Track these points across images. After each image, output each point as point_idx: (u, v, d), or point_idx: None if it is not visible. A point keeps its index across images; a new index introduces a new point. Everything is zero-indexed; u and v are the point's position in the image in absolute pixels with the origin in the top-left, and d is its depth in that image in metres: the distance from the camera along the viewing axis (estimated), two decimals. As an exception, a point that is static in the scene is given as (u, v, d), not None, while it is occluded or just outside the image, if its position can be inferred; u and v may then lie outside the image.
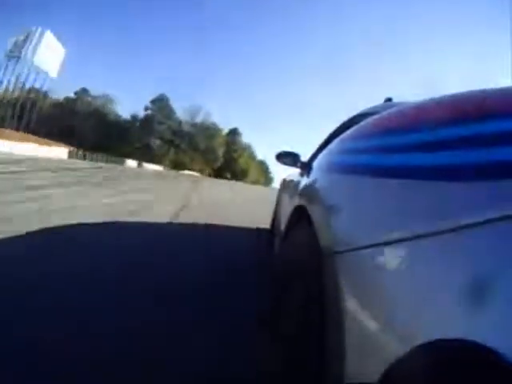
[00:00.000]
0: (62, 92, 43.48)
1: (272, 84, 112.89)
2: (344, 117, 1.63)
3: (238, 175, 54.86)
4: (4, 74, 28.75)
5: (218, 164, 54.48)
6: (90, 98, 46.77)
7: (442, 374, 0.29)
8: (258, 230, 3.74)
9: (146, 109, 50.89)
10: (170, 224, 3.51)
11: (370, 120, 0.71)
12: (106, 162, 27.10)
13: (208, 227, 3.71)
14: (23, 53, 28.41)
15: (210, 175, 49.55)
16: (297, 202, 1.00)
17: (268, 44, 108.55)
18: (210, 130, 53.52)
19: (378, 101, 1.64)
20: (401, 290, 0.35)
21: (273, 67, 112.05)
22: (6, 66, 28.73)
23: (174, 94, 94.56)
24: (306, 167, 1.36)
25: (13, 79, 29.12)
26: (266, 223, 3.49)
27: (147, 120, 48.72)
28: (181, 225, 3.59)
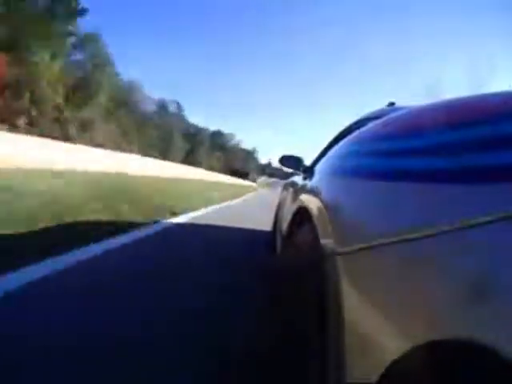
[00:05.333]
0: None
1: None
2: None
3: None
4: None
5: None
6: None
7: (442, 373, 0.30)
8: None
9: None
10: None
11: (372, 124, 0.72)
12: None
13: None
14: None
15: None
16: (299, 203, 1.01)
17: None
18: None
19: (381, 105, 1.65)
20: (401, 291, 0.35)
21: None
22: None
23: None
24: (309, 171, 1.37)
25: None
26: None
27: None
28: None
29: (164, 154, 36.29)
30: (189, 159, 44.89)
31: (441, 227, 0.34)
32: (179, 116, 49.21)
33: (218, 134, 63.93)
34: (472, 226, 0.31)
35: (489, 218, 0.30)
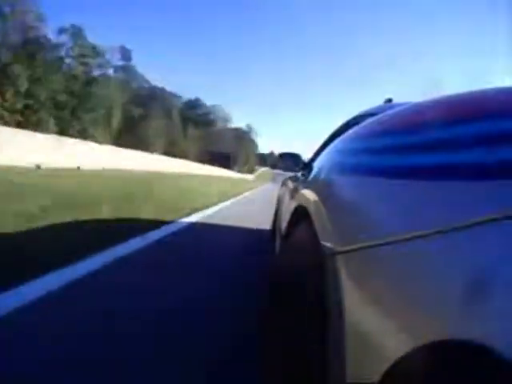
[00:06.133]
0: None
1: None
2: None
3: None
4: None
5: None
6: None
7: (442, 374, 0.29)
8: None
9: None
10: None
11: (370, 120, 0.71)
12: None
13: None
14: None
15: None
16: (298, 201, 1.00)
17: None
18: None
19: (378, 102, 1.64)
20: (402, 291, 0.35)
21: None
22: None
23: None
24: (307, 167, 1.37)
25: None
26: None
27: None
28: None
29: (70, 122, 20.07)
30: (135, 133, 25.84)
31: (442, 225, 0.33)
32: (127, 68, 30.89)
33: (195, 104, 41.82)
34: (473, 225, 0.31)
35: (490, 216, 0.30)
